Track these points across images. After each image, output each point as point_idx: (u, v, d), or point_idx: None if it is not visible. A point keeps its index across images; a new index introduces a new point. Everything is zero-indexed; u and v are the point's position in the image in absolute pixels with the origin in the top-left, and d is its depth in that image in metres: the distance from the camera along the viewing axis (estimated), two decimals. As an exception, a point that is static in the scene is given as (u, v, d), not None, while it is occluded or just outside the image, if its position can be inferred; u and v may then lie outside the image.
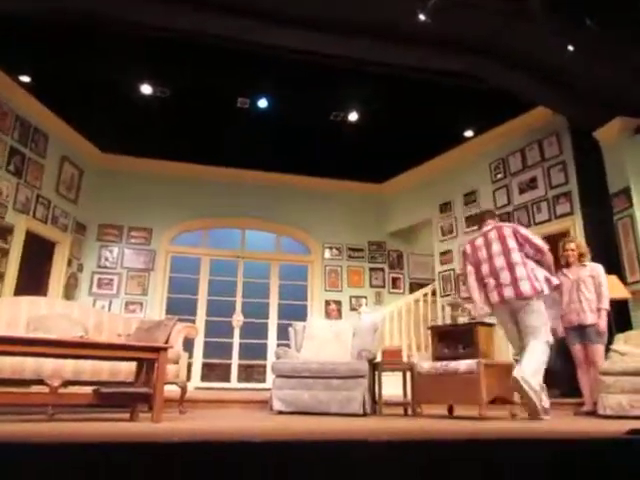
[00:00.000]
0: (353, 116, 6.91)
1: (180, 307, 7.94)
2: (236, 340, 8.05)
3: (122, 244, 7.92)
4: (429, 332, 7.25)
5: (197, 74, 6.00)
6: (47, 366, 3.83)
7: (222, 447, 1.46)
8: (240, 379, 8.04)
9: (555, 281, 3.99)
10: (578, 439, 2.13)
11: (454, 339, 6.74)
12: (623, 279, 5.41)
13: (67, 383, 3.84)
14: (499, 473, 1.90)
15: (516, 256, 3.97)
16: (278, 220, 8.62)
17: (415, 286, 8.84)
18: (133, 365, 3.89)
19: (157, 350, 3.34)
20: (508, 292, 3.93)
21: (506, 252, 4.02)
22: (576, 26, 4.71)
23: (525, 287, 3.87)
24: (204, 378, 7.86)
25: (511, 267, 3.95)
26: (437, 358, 6.17)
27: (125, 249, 7.91)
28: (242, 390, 7.42)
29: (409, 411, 4.43)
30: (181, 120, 6.98)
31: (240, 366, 8.08)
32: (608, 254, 5.56)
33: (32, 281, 6.68)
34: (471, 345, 6.28)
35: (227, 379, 7.95)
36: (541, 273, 3.93)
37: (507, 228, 4.17)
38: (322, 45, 5.20)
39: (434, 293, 8.09)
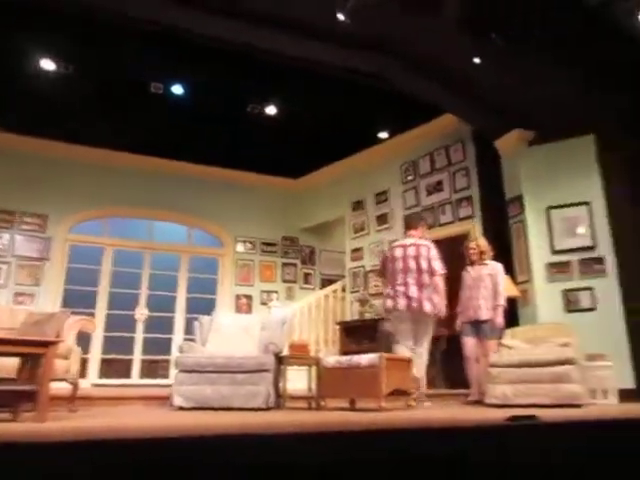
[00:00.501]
0: (271, 110, 6.85)
1: (79, 300, 7.47)
2: (139, 334, 7.72)
3: (13, 230, 7.30)
4: (337, 327, 7.38)
5: (106, 53, 5.66)
6: None
7: (96, 445, 1.37)
8: (143, 375, 7.72)
9: (439, 304, 4.52)
10: (465, 426, 2.24)
11: (361, 334, 6.90)
12: (514, 279, 5.81)
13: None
14: (397, 460, 1.94)
15: (425, 277, 4.55)
16: (190, 212, 8.37)
17: (326, 282, 8.95)
18: (13, 360, 3.58)
19: (45, 344, 3.10)
20: (415, 304, 4.50)
21: (419, 271, 4.57)
22: (484, 40, 4.98)
23: (427, 307, 4.49)
24: (103, 374, 7.46)
25: (420, 286, 4.52)
26: (344, 353, 6.27)
27: (16, 236, 7.30)
28: (144, 387, 7.12)
29: (313, 405, 4.46)
30: (87, 101, 6.55)
31: (143, 362, 7.76)
32: (502, 256, 5.93)
33: None
34: (376, 340, 6.45)
35: (128, 375, 7.60)
36: (436, 297, 4.53)
37: (424, 247, 4.67)
38: (240, 35, 5.10)
39: (344, 289, 8.23)
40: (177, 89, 6.37)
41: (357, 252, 8.17)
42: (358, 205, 8.31)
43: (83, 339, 4.70)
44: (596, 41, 4.78)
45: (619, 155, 5.54)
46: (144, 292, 7.98)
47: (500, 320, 4.78)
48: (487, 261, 5.08)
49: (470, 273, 5.08)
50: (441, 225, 7.03)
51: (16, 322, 4.21)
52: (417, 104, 6.14)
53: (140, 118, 6.94)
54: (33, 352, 3.14)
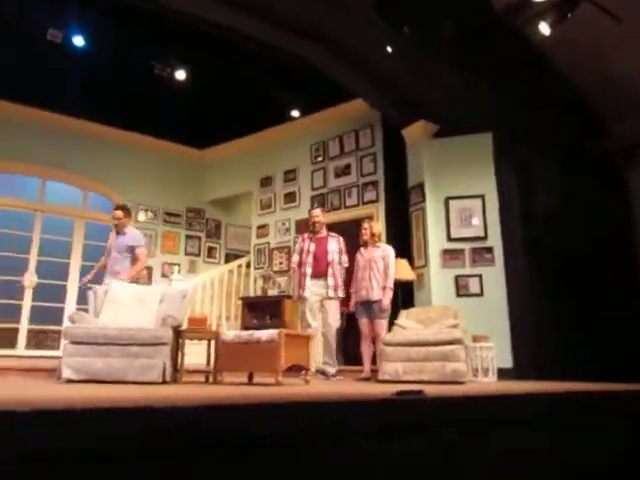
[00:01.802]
0: (180, 74, 6.55)
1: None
2: (27, 302, 7.16)
3: None
4: (240, 303, 7.35)
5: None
6: None
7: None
8: (30, 346, 7.20)
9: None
10: (355, 400, 2.33)
11: (263, 310, 6.94)
12: (411, 263, 6.09)
13: None
14: (289, 432, 1.96)
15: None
16: (86, 174, 7.83)
17: (231, 257, 8.85)
18: None
19: None
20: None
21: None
22: (397, 31, 5.08)
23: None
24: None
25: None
26: (246, 328, 6.28)
27: None
28: (31, 358, 6.64)
29: (210, 379, 4.41)
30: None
31: (30, 331, 7.23)
32: (402, 241, 6.20)
33: None
34: (278, 316, 6.51)
35: (13, 346, 7.04)
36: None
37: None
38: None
39: (248, 265, 8.19)
40: (78, 40, 5.88)
41: (263, 228, 8.14)
42: (266, 181, 8.25)
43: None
44: (498, 45, 5.06)
45: (511, 153, 5.95)
46: (33, 257, 7.38)
47: (387, 302, 4.99)
48: (379, 244, 5.27)
49: (363, 255, 5.25)
50: (346, 207, 7.18)
51: None
52: (330, 86, 6.16)
53: (34, 66, 6.30)
54: None
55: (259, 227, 8.20)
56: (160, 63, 6.32)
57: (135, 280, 5.16)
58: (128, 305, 4.74)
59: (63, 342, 4.37)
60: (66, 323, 6.95)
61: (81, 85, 6.65)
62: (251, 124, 7.92)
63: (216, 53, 6.01)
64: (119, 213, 5.18)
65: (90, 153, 7.80)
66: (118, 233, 5.20)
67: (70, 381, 3.99)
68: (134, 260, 5.19)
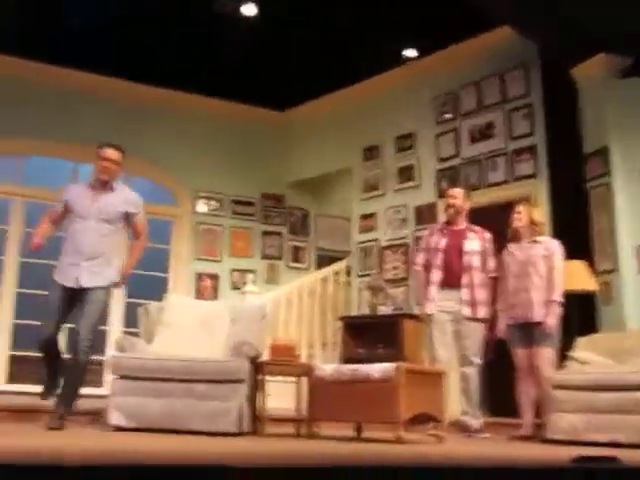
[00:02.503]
0: (249, 9, 6.71)
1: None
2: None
3: None
4: (339, 324, 7.42)
5: None
6: None
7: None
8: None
9: None
10: (513, 468, 2.28)
11: (372, 335, 6.94)
12: (592, 266, 5.84)
13: None
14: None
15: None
16: (129, 151, 8.21)
17: (324, 260, 8.97)
18: None
19: None
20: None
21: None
22: None
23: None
24: (13, 378, 7.55)
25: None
26: (349, 359, 6.32)
27: None
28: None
29: (302, 430, 4.51)
30: None
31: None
32: (575, 233, 5.96)
33: None
34: (394, 344, 6.50)
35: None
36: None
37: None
38: None
39: (349, 272, 8.25)
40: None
41: (368, 219, 8.16)
42: (371, 153, 8.27)
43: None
44: None
45: None
46: None
47: (552, 322, 4.83)
48: (540, 238, 5.09)
49: (515, 255, 5.09)
50: (489, 186, 7.02)
51: None
52: (460, 10, 6.04)
53: (50, 16, 6.76)
54: None
55: (363, 217, 8.24)
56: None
57: (124, 277, 4.71)
58: (190, 328, 4.99)
59: (110, 377, 4.68)
60: (111, 351, 7.52)
61: (114, 33, 7.03)
62: (347, 73, 7.94)
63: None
64: (115, 154, 4.60)
65: (134, 125, 8.17)
66: (100, 188, 4.59)
67: (120, 429, 4.27)
68: (135, 234, 4.76)
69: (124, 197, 4.66)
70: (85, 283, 4.42)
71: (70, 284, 4.43)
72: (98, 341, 7.98)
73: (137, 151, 8.01)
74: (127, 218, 4.65)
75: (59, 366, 4.55)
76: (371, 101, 8.24)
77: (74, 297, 4.44)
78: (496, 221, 5.65)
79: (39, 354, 4.53)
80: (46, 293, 4.61)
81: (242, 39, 7.00)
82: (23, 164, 8.07)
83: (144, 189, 8.53)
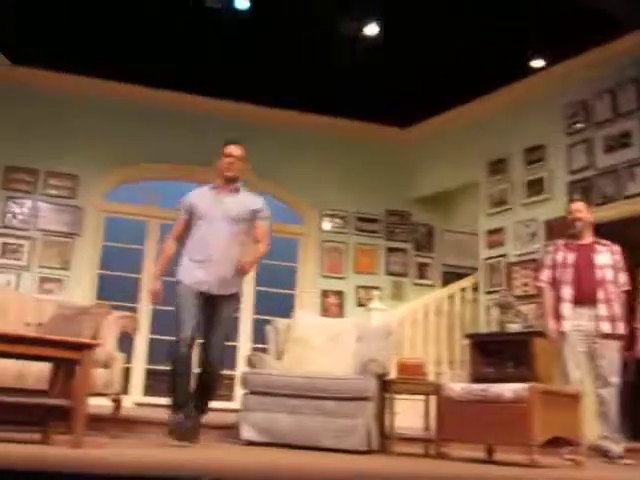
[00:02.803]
0: (372, 29, 6.79)
1: (116, 289, 7.95)
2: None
3: (37, 196, 7.85)
4: (467, 342, 7.29)
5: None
6: None
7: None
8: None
9: None
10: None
11: (501, 354, 6.81)
12: None
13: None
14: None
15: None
16: (258, 173, 8.52)
17: (450, 276, 8.86)
18: (45, 367, 3.90)
19: (79, 347, 3.34)
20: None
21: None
22: None
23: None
24: (148, 391, 7.91)
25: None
26: (477, 379, 6.23)
27: (40, 203, 7.85)
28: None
29: (431, 450, 4.47)
30: (123, 25, 6.86)
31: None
32: None
33: None
34: (525, 363, 6.32)
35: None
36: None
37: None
38: None
39: (476, 288, 8.11)
40: (240, 2, 6.47)
41: (496, 234, 7.99)
42: (498, 166, 8.10)
43: (123, 343, 5.02)
44: None
45: None
46: None
47: None
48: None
49: None
50: (627, 197, 6.69)
51: (43, 316, 4.58)
52: (587, 18, 5.85)
53: (191, 45, 7.14)
54: (66, 356, 3.39)
55: (490, 232, 8.07)
56: (344, 18, 6.63)
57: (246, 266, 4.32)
58: (318, 345, 5.07)
59: (240, 391, 4.84)
60: (241, 367, 7.76)
61: (241, 59, 7.33)
62: (470, 86, 7.84)
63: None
64: (238, 149, 4.55)
65: (263, 147, 8.36)
66: (225, 189, 4.50)
67: (251, 443, 4.40)
68: (259, 236, 4.49)
69: (251, 198, 4.59)
70: (217, 290, 4.30)
71: (201, 289, 4.28)
72: (228, 354, 8.40)
73: (263, 172, 8.36)
74: (253, 219, 4.48)
75: (188, 382, 4.29)
76: (496, 113, 8.09)
77: (204, 302, 4.30)
78: (634, 234, 5.39)
79: (169, 370, 4.25)
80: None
81: (364, 59, 7.08)
82: (156, 188, 8.50)
83: (271, 209, 8.78)
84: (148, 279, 8.09)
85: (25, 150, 7.86)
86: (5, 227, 7.70)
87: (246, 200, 4.53)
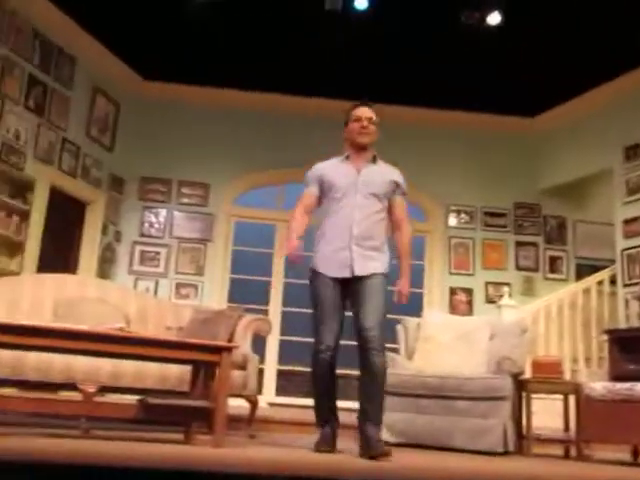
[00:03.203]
0: (494, 18, 6.70)
1: (247, 292, 8.20)
2: (274, 337, 8.12)
3: (171, 205, 8.28)
4: (605, 338, 7.01)
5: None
6: (79, 366, 4.14)
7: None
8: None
9: None
10: None
11: (643, 350, 6.50)
12: None
13: (103, 389, 4.13)
14: None
15: None
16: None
17: (584, 269, 8.54)
18: (184, 369, 4.10)
19: (219, 350, 3.48)
20: None
21: None
22: None
23: None
24: (280, 391, 8.13)
25: None
26: (617, 377, 5.98)
27: (175, 212, 8.27)
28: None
29: (572, 452, 4.34)
30: (249, 33, 7.11)
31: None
32: None
33: (59, 253, 7.20)
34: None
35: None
36: None
37: None
38: None
39: (613, 281, 7.77)
40: (360, 2, 6.55)
41: (634, 223, 7.61)
42: (634, 151, 7.72)
43: (256, 344, 5.19)
44: None
45: None
46: (278, 281, 8.42)
47: None
48: None
49: None
50: None
51: (182, 320, 4.83)
52: None
53: (315, 49, 7.28)
54: (206, 359, 3.56)
55: (627, 222, 7.70)
56: (467, 7, 6.57)
57: (403, 295, 3.89)
58: (448, 344, 5.03)
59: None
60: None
61: (367, 59, 7.41)
62: (600, 69, 7.56)
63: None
64: (370, 111, 4.00)
65: (389, 143, 8.38)
66: (358, 159, 3.97)
67: (386, 444, 4.41)
68: (396, 222, 3.99)
69: (389, 169, 4.03)
70: (361, 270, 3.69)
71: (342, 274, 3.72)
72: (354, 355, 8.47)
73: None
74: (392, 193, 3.93)
75: (334, 390, 3.88)
76: (629, 96, 7.71)
77: (346, 291, 3.75)
78: None
79: (312, 377, 3.87)
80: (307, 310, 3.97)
81: (489, 49, 7.00)
82: (283, 192, 8.72)
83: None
84: (278, 283, 8.37)
85: (159, 161, 8.32)
86: (143, 236, 8.19)
87: (385, 170, 3.98)
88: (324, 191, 3.90)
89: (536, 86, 7.92)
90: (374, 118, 3.95)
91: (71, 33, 7.15)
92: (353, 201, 3.78)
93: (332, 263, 3.75)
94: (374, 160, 3.97)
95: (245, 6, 6.66)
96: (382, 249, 3.83)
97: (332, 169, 3.95)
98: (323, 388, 3.81)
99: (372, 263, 3.73)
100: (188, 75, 8.15)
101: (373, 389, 3.58)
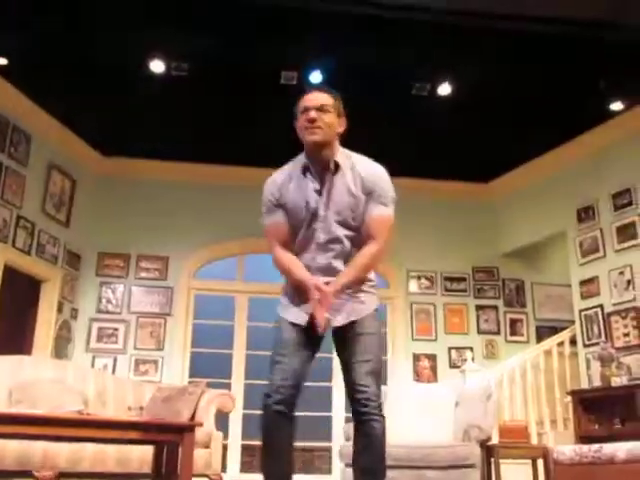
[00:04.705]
0: (444, 89, 6.92)
1: (209, 366, 8.09)
2: None
3: (129, 280, 8.19)
4: (569, 400, 7.05)
5: (223, 42, 6.20)
6: (35, 452, 4.00)
7: None
8: (295, 469, 8.04)
9: None
10: None
11: (608, 410, 6.55)
12: None
13: (60, 475, 3.99)
14: None
15: None
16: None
17: (544, 331, 8.64)
18: (147, 450, 4.00)
19: (181, 430, 3.42)
20: None
21: None
22: None
23: None
24: (245, 467, 7.93)
25: None
26: (584, 438, 6.01)
27: (133, 287, 8.18)
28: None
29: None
30: (206, 108, 7.22)
31: (295, 450, 8.07)
32: None
33: (12, 334, 7.02)
34: (634, 419, 6.06)
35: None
36: None
37: None
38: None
39: (573, 341, 7.87)
40: (315, 76, 6.71)
41: (589, 284, 7.75)
42: (586, 214, 7.92)
43: (219, 420, 5.09)
44: None
45: None
46: None
47: None
48: None
49: None
50: None
51: (142, 399, 4.72)
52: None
53: (271, 121, 7.42)
54: (168, 439, 3.48)
55: (583, 283, 7.84)
56: (419, 79, 6.77)
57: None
58: (414, 412, 5.00)
59: (339, 464, 4.80)
60: (337, 438, 7.70)
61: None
62: (550, 135, 7.82)
63: (489, 50, 6.21)
64: (321, 96, 3.00)
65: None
66: (319, 169, 3.01)
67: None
68: (368, 234, 3.03)
69: (362, 168, 3.04)
70: (341, 320, 2.92)
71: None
72: (324, 425, 8.37)
73: None
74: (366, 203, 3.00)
75: (290, 457, 3.19)
76: (578, 161, 7.98)
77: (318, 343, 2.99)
78: None
79: (262, 438, 3.05)
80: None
81: (440, 119, 7.21)
82: (243, 262, 8.74)
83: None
84: (240, 355, 8.27)
85: (116, 236, 8.28)
86: (100, 312, 8.06)
87: (357, 174, 3.00)
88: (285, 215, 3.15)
89: (488, 154, 8.17)
90: (327, 103, 2.98)
91: (26, 110, 7.16)
92: (319, 228, 2.98)
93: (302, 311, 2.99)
94: (338, 167, 2.98)
95: (200, 80, 6.76)
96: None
97: (286, 187, 3.13)
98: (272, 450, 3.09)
99: (359, 306, 3.02)
100: (145, 150, 8.20)
101: (371, 453, 2.94)
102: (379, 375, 2.93)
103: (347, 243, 3.00)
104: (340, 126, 3.02)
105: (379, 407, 2.88)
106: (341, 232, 2.97)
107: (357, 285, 2.99)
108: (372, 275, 3.15)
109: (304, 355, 2.93)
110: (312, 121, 2.92)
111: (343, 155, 3.02)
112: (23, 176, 7.16)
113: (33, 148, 7.32)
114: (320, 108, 2.94)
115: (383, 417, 2.91)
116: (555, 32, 5.76)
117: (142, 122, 7.52)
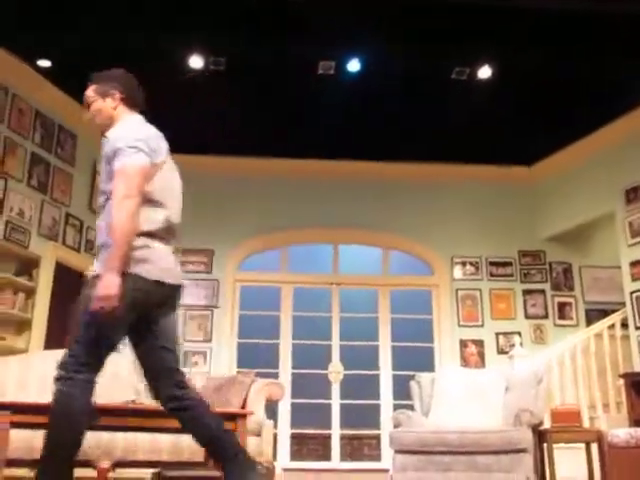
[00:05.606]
0: (484, 72, 6.83)
1: (256, 356, 8.17)
2: (335, 401, 8.12)
3: (177, 273, 8.31)
4: (621, 383, 6.93)
5: (257, 36, 6.22)
6: (91, 442, 4.07)
7: None
8: (344, 456, 8.09)
9: None
10: None
11: (661, 392, 6.42)
12: None
13: (117, 464, 4.07)
14: None
15: None
16: (384, 228, 8.65)
17: (594, 314, 8.49)
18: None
19: (234, 417, 3.45)
20: None
21: None
22: None
23: None
24: (295, 456, 8.01)
25: None
26: (637, 422, 5.90)
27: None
28: (348, 472, 7.44)
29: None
30: (248, 101, 7.29)
31: (343, 438, 8.12)
32: None
33: (64, 329, 7.15)
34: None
35: (326, 456, 8.02)
36: None
37: None
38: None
39: (625, 324, 7.72)
40: (353, 65, 6.70)
41: (640, 265, 7.62)
42: (635, 194, 7.76)
43: (269, 409, 5.13)
44: None
45: None
46: (335, 342, 8.40)
47: None
48: None
49: None
50: None
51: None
52: None
53: (309, 112, 7.44)
54: (221, 428, 3.51)
55: (634, 264, 7.69)
56: (458, 64, 6.71)
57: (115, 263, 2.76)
58: (463, 398, 4.98)
59: (389, 452, 4.81)
60: (385, 425, 7.71)
61: (363, 120, 7.57)
62: (596, 115, 7.68)
63: (531, 30, 6.11)
64: (87, 91, 3.23)
65: (387, 202, 8.69)
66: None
67: (407, 504, 4.33)
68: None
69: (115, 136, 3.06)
70: None
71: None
72: (371, 413, 8.45)
73: (392, 227, 8.63)
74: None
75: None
76: (627, 139, 7.79)
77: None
78: None
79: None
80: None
81: (481, 102, 7.14)
82: (286, 253, 8.80)
83: (401, 262, 8.86)
84: (287, 344, 8.35)
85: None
86: (151, 306, 8.18)
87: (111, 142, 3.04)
88: None
89: (531, 136, 8.07)
90: (90, 95, 3.21)
91: (71, 110, 7.29)
92: None
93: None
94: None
95: (240, 74, 6.82)
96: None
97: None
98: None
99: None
100: (189, 145, 8.26)
101: None
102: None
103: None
104: (112, 103, 3.20)
105: None
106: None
107: None
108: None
109: None
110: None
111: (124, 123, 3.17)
112: (70, 175, 7.32)
113: (79, 147, 7.47)
114: (88, 103, 3.22)
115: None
116: (598, 10, 5.64)
117: (185, 117, 7.59)
